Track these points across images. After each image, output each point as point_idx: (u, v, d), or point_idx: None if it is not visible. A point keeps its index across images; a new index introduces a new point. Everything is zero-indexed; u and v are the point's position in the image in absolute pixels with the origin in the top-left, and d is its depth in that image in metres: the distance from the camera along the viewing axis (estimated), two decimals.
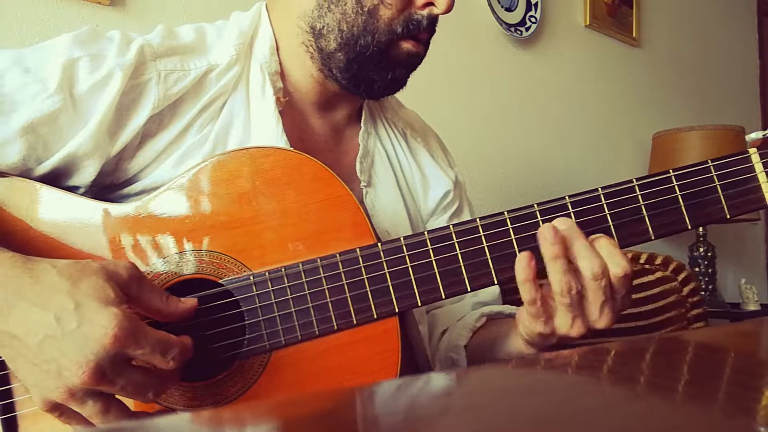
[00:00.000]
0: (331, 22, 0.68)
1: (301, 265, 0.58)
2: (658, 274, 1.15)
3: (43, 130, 0.60)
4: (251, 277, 0.58)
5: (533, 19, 1.91)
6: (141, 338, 0.47)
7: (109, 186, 0.66)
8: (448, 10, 0.67)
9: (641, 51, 2.35)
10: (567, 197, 0.60)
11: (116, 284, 0.49)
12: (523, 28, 1.89)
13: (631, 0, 2.27)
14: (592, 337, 0.60)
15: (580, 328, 0.56)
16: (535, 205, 0.60)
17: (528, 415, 0.24)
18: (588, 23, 2.11)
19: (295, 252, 0.58)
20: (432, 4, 0.68)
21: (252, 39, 0.72)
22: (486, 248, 0.59)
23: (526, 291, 0.56)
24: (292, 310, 0.58)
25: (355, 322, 0.58)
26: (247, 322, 0.58)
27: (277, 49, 0.73)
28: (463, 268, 0.59)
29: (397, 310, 0.58)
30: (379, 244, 0.59)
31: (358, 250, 0.58)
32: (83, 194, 0.64)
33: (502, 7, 1.85)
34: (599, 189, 0.60)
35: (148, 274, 0.57)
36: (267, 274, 0.58)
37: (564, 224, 0.57)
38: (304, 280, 0.58)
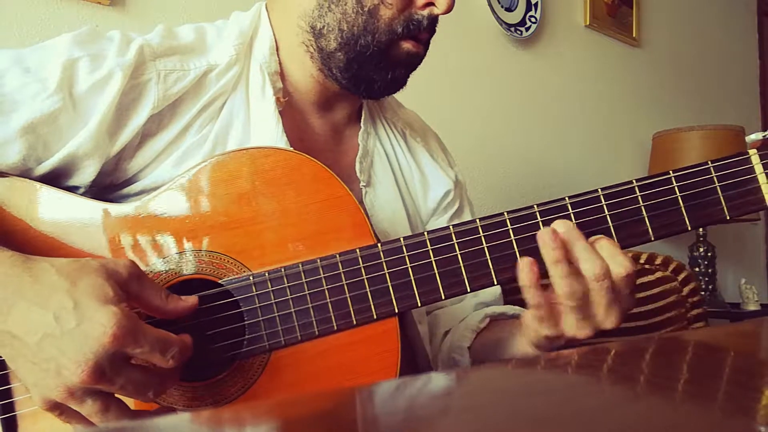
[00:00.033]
0: (332, 22, 0.68)
1: (300, 266, 0.58)
2: (658, 274, 1.15)
3: (43, 130, 0.60)
4: (251, 278, 0.58)
5: (533, 19, 1.91)
6: (140, 337, 0.47)
7: (108, 186, 0.66)
8: (449, 10, 0.68)
9: (641, 51, 2.35)
10: (567, 198, 0.60)
11: (115, 282, 0.49)
12: (523, 28, 1.89)
13: (631, 0, 2.27)
14: (594, 338, 0.60)
15: (587, 329, 0.56)
16: (535, 206, 0.60)
17: (528, 415, 0.24)
18: (588, 23, 2.11)
19: (295, 252, 0.58)
20: (432, 4, 0.68)
21: (252, 39, 0.72)
22: (486, 249, 0.59)
23: (531, 296, 0.56)
24: (292, 310, 0.58)
25: (354, 322, 0.58)
26: (246, 322, 0.58)
27: (277, 49, 0.73)
28: (462, 268, 0.59)
29: (396, 311, 0.58)
30: (378, 245, 0.59)
31: (357, 250, 0.58)
32: (83, 194, 0.64)
33: (502, 7, 1.85)
34: (599, 190, 0.60)
35: (148, 273, 0.57)
36: (267, 274, 0.58)
37: (563, 227, 0.57)
38: (303, 280, 0.58)
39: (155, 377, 0.50)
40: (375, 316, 0.58)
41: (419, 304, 0.59)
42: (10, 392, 0.55)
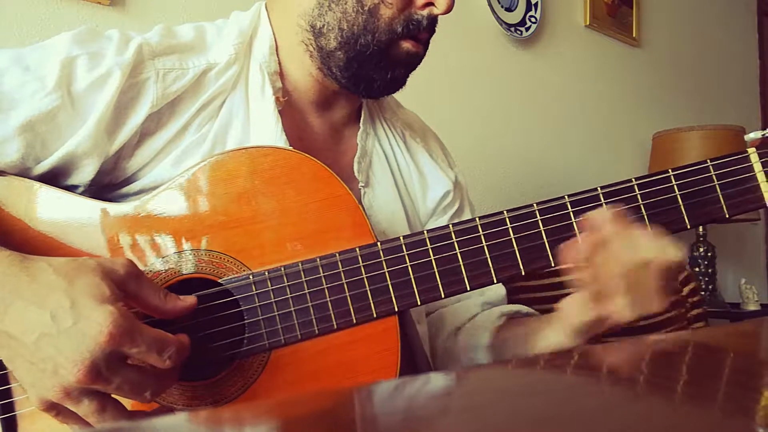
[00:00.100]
0: (332, 21, 0.68)
1: (300, 265, 0.58)
2: None
3: (42, 128, 0.60)
4: (250, 277, 0.58)
5: (533, 19, 1.91)
6: (136, 336, 0.47)
7: (107, 185, 0.66)
8: (448, 10, 0.68)
9: (641, 51, 2.35)
10: (566, 197, 0.60)
11: (112, 281, 0.49)
12: (523, 28, 1.89)
13: (631, 0, 2.27)
14: (593, 338, 0.60)
15: (635, 312, 0.57)
16: (534, 205, 0.60)
17: (528, 415, 0.24)
18: (588, 23, 2.11)
19: (295, 251, 0.58)
20: (432, 4, 0.68)
21: (251, 38, 0.72)
22: (485, 247, 0.59)
23: (583, 275, 0.57)
24: (292, 309, 0.58)
25: (354, 321, 0.58)
26: (246, 321, 0.58)
27: (276, 49, 0.73)
28: (462, 267, 0.59)
29: (396, 309, 0.58)
30: (378, 244, 0.59)
31: (357, 249, 0.58)
32: (82, 193, 0.63)
33: (502, 7, 1.85)
34: (598, 188, 0.60)
35: (147, 273, 0.57)
36: (266, 273, 0.58)
37: (609, 211, 0.58)
38: (303, 279, 0.58)
39: (152, 377, 0.49)
40: (375, 315, 0.58)
41: (419, 303, 0.59)
42: (9, 392, 0.55)
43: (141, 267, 0.57)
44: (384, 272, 0.58)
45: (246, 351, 0.57)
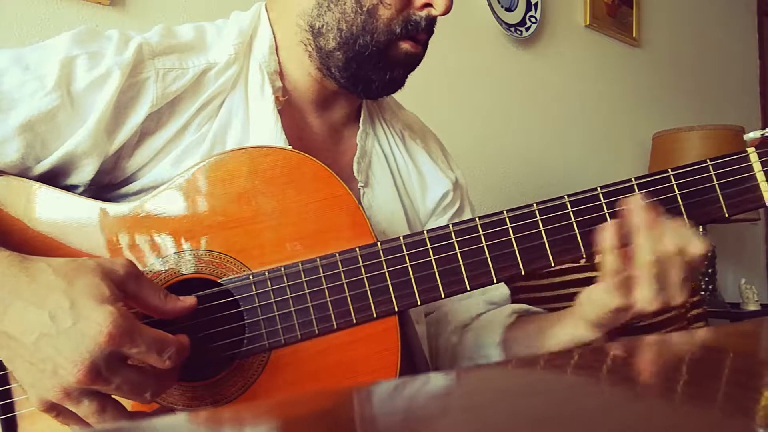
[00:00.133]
0: (331, 21, 0.68)
1: (300, 265, 0.58)
2: None
3: (42, 128, 0.60)
4: (250, 277, 0.58)
5: (533, 19, 1.91)
6: (136, 336, 0.47)
7: (107, 185, 0.66)
8: (447, 11, 0.68)
9: (641, 51, 2.35)
10: (566, 196, 0.60)
11: (112, 282, 0.49)
12: (523, 28, 1.89)
13: (631, 0, 2.27)
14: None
15: (660, 302, 0.57)
16: (534, 204, 0.60)
17: (528, 415, 0.24)
18: (588, 23, 2.11)
19: (295, 251, 0.58)
20: (430, 5, 0.68)
21: (251, 38, 0.72)
22: (485, 247, 0.59)
23: (611, 262, 0.57)
24: (292, 309, 0.58)
25: (354, 321, 0.58)
26: (246, 321, 0.58)
27: (276, 49, 0.73)
28: (462, 267, 0.59)
29: (396, 309, 0.58)
30: (378, 244, 0.59)
31: (357, 249, 0.58)
32: (81, 193, 0.63)
33: (502, 7, 1.85)
34: (598, 188, 0.60)
35: (147, 273, 0.57)
36: (266, 273, 0.58)
37: (645, 197, 0.59)
38: (303, 279, 0.58)
39: (152, 378, 0.49)
40: (375, 315, 0.58)
41: (419, 303, 0.58)
42: (9, 393, 0.55)
43: (140, 267, 0.57)
44: (384, 272, 0.58)
45: (246, 351, 0.57)
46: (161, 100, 0.64)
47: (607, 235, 0.57)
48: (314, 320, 0.57)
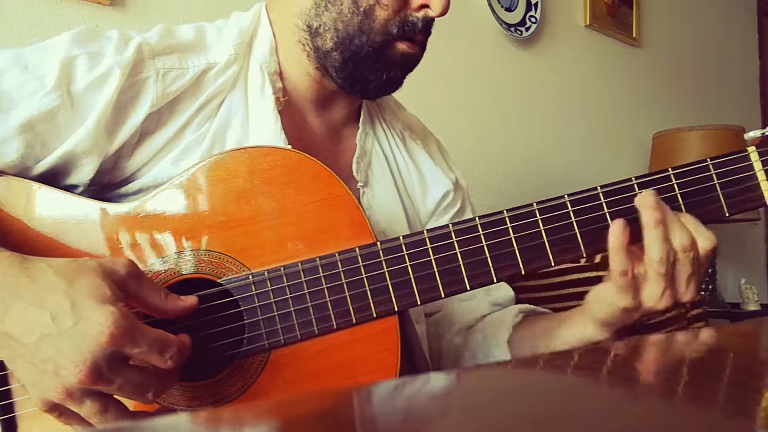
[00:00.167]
0: (328, 21, 0.68)
1: (300, 265, 0.58)
2: None
3: (41, 128, 0.60)
4: (250, 277, 0.58)
5: (533, 19, 1.91)
6: (137, 336, 0.47)
7: (107, 185, 0.66)
8: (443, 12, 0.67)
9: (641, 51, 2.35)
10: (566, 196, 0.60)
11: (113, 282, 0.49)
12: (523, 28, 1.89)
13: (631, 0, 2.27)
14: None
15: (668, 300, 0.57)
16: (534, 204, 0.60)
17: (528, 415, 0.24)
18: (588, 23, 2.11)
19: (294, 251, 0.58)
20: (427, 6, 0.67)
21: (251, 39, 0.72)
22: (485, 247, 0.59)
23: (618, 261, 0.57)
24: (291, 309, 0.58)
25: (354, 321, 0.58)
26: (246, 321, 0.58)
27: (276, 49, 0.73)
28: (462, 266, 0.59)
29: (396, 309, 0.58)
30: (378, 243, 0.59)
31: (357, 249, 0.58)
32: (81, 193, 0.64)
33: (502, 7, 1.85)
34: (598, 187, 0.60)
35: (147, 273, 0.57)
36: (266, 273, 0.58)
37: (655, 193, 0.58)
38: (303, 279, 0.58)
39: (154, 378, 0.49)
40: (374, 315, 0.58)
41: (419, 303, 0.58)
42: (9, 393, 0.55)
43: (141, 267, 0.57)
44: (384, 272, 0.58)
45: (245, 351, 0.57)
46: (161, 100, 0.64)
47: (614, 235, 0.57)
48: (314, 320, 0.57)
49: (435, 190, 0.83)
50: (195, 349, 0.52)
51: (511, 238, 0.59)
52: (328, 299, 0.58)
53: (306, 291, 0.58)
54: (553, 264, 0.60)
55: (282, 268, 0.58)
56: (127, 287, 0.50)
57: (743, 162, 0.61)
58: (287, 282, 0.58)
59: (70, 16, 1.13)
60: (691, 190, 0.60)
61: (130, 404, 0.51)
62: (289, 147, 0.66)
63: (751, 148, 0.61)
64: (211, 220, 0.58)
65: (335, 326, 0.57)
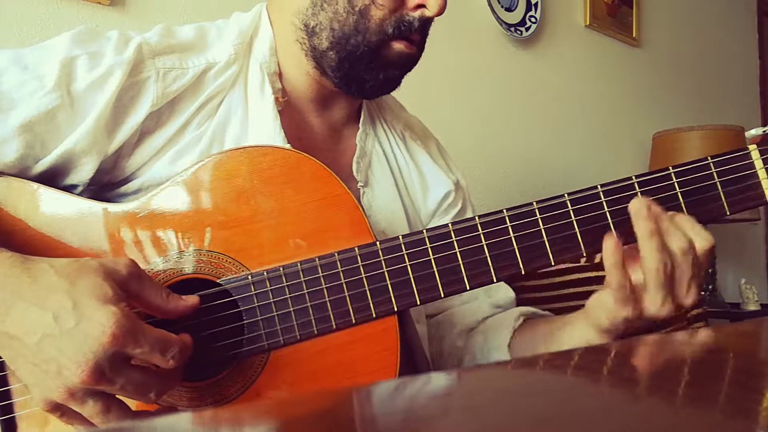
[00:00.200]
0: (324, 21, 0.68)
1: (299, 265, 0.58)
2: None
3: (41, 128, 0.60)
4: (249, 277, 0.58)
5: (533, 19, 1.91)
6: (139, 337, 0.47)
7: (107, 184, 0.66)
8: (440, 12, 0.67)
9: (641, 51, 2.35)
10: (566, 195, 0.60)
11: (115, 282, 0.49)
12: (523, 28, 1.89)
13: (631, 0, 2.27)
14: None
15: (670, 306, 0.56)
16: (534, 203, 0.59)
17: (528, 415, 0.24)
18: (588, 23, 2.11)
19: (294, 251, 0.58)
20: (424, 6, 0.67)
21: (252, 39, 0.72)
22: (485, 246, 0.59)
23: (615, 276, 0.56)
24: (291, 309, 0.57)
25: (353, 321, 0.58)
26: (245, 321, 0.58)
27: (276, 49, 0.73)
28: (462, 266, 0.58)
29: (396, 309, 0.58)
30: (377, 243, 0.59)
31: (356, 249, 0.58)
32: (81, 193, 0.64)
33: (502, 7, 1.85)
34: (598, 186, 0.60)
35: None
36: (265, 273, 0.58)
37: (647, 201, 0.57)
38: (302, 279, 0.58)
39: (156, 378, 0.49)
40: (374, 315, 0.58)
41: (418, 303, 0.58)
42: (9, 394, 0.55)
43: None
44: (383, 272, 0.58)
45: (245, 352, 0.57)
46: (161, 100, 0.64)
47: (609, 251, 0.56)
48: (313, 320, 0.57)
49: (436, 191, 0.83)
50: (196, 349, 0.52)
51: (510, 238, 0.59)
52: (327, 299, 0.58)
53: (305, 291, 0.57)
54: (553, 264, 0.60)
55: (281, 268, 0.58)
56: (129, 287, 0.50)
57: (744, 160, 0.60)
58: (286, 282, 0.58)
59: (70, 16, 1.13)
60: (691, 189, 0.60)
61: (132, 404, 0.51)
62: (289, 146, 0.66)
63: (752, 146, 0.61)
64: (210, 219, 0.58)
65: (334, 326, 0.57)
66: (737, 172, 0.60)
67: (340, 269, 0.58)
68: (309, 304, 0.57)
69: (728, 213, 0.60)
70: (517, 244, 0.59)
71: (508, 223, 0.59)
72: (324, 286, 0.58)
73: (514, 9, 1.88)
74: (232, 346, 0.58)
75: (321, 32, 0.68)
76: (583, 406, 0.25)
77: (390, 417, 0.25)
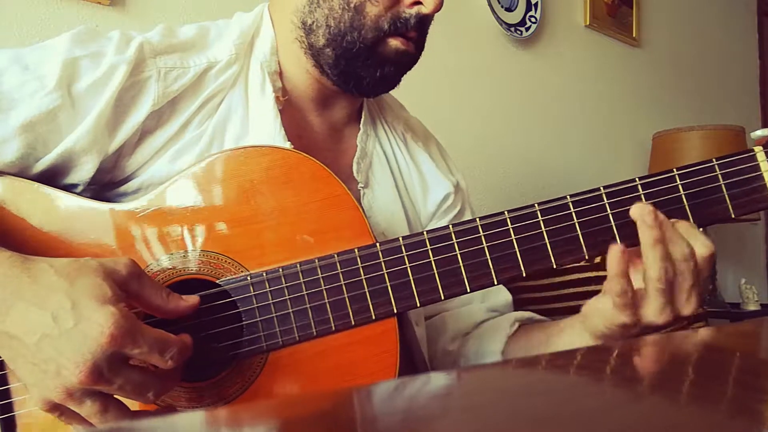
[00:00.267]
0: (320, 18, 0.68)
1: (298, 266, 0.58)
2: None
3: (42, 128, 0.60)
4: (248, 278, 0.57)
5: (533, 19, 1.91)
6: (138, 337, 0.47)
7: (107, 184, 0.66)
8: (436, 10, 0.67)
9: (641, 51, 2.35)
10: (568, 197, 0.59)
11: (114, 282, 0.49)
12: (523, 28, 1.89)
13: (631, 0, 2.27)
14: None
15: (669, 315, 0.56)
16: (536, 205, 0.59)
17: (528, 415, 0.24)
18: (588, 23, 2.11)
19: (294, 251, 0.58)
20: (420, 3, 0.67)
21: (253, 38, 0.72)
22: (486, 248, 0.58)
23: (618, 284, 0.55)
24: (290, 310, 0.57)
25: (353, 322, 0.57)
26: (244, 322, 0.57)
27: (277, 49, 0.73)
28: (462, 268, 0.58)
29: (395, 311, 0.58)
30: (377, 244, 0.59)
31: (356, 250, 0.58)
32: (81, 192, 0.64)
33: (502, 7, 1.85)
34: (601, 188, 0.59)
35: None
36: (264, 274, 0.57)
37: (650, 207, 0.56)
38: (301, 280, 0.58)
39: (155, 378, 0.49)
40: (374, 317, 0.58)
41: (418, 305, 0.58)
42: (8, 393, 0.55)
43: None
44: (383, 273, 0.58)
45: (244, 352, 0.57)
46: (162, 99, 0.64)
47: (614, 260, 0.55)
48: (312, 322, 0.57)
49: (436, 192, 0.83)
50: (195, 350, 0.52)
51: (512, 240, 0.58)
52: (326, 300, 0.57)
53: (305, 292, 0.57)
54: (555, 266, 0.60)
55: (280, 269, 0.58)
56: (129, 287, 0.50)
57: (750, 162, 0.59)
58: (285, 283, 0.57)
59: (70, 16, 1.13)
60: (696, 191, 0.59)
61: (131, 404, 0.51)
62: (288, 146, 0.66)
63: (758, 148, 0.59)
64: (209, 220, 0.58)
65: (334, 328, 0.57)
66: (742, 174, 0.59)
67: (339, 270, 0.58)
68: (308, 305, 0.57)
69: (733, 216, 0.59)
70: (518, 246, 0.58)
71: (510, 225, 0.59)
72: (323, 287, 0.57)
73: (514, 9, 1.88)
74: (231, 346, 0.58)
75: (317, 29, 0.69)
76: (584, 406, 0.25)
77: (390, 417, 0.25)
